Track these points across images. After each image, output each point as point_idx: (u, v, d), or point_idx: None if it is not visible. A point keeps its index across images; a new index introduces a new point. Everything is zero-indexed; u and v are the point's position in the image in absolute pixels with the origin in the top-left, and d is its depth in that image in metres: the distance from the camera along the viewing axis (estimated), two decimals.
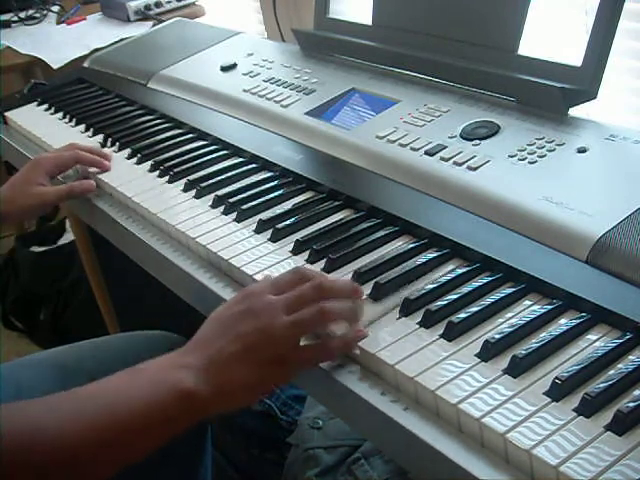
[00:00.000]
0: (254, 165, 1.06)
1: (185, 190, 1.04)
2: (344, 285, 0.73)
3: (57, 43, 2.07)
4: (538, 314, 0.68)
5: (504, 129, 0.93)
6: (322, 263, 0.82)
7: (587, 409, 0.58)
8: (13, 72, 2.20)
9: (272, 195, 0.97)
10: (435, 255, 0.79)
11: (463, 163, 0.88)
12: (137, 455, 0.66)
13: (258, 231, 0.91)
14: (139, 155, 1.15)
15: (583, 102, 0.92)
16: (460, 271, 0.76)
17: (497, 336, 0.66)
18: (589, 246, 0.71)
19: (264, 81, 1.23)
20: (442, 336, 0.69)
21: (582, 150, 0.85)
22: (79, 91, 1.48)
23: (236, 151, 1.11)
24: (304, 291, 0.71)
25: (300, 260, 0.84)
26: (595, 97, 0.91)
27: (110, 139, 1.24)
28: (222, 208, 0.97)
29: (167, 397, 0.65)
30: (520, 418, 0.59)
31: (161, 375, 0.67)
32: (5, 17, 2.30)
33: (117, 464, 0.65)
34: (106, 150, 1.20)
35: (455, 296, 0.72)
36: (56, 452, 0.62)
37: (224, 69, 1.32)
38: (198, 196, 1.02)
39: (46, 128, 1.34)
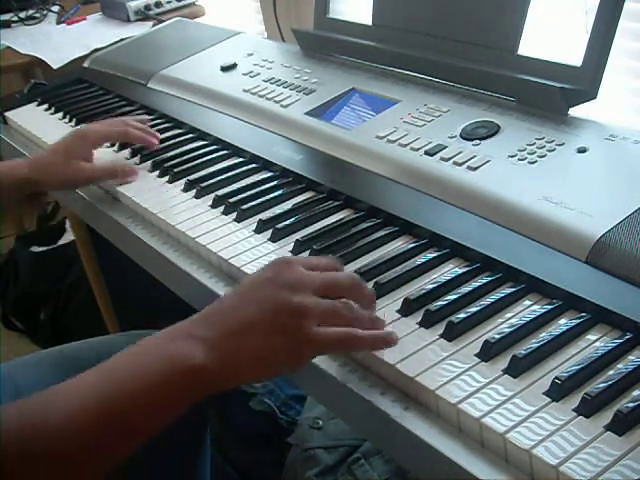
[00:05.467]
0: (254, 165, 1.06)
1: (185, 190, 1.04)
2: (373, 293, 0.71)
3: (57, 43, 2.06)
4: (538, 314, 0.68)
5: (504, 129, 0.93)
6: None
7: (587, 409, 0.58)
8: (13, 72, 2.20)
9: (272, 195, 0.97)
10: (435, 255, 0.79)
11: (463, 163, 0.88)
12: (141, 437, 0.62)
13: (258, 231, 0.91)
14: (139, 155, 1.15)
15: (583, 102, 0.92)
16: (460, 271, 0.76)
17: (497, 336, 0.66)
18: (589, 246, 0.71)
19: (264, 81, 1.23)
20: (442, 336, 0.69)
21: (582, 150, 0.85)
22: (79, 91, 1.48)
23: (236, 151, 1.11)
24: (341, 278, 0.66)
25: None
26: (595, 97, 0.91)
27: None
28: (222, 208, 0.97)
29: (172, 372, 0.60)
30: (520, 418, 0.59)
31: (167, 348, 0.62)
32: (5, 17, 2.30)
33: (122, 449, 0.62)
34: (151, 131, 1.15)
35: (455, 296, 0.72)
36: (59, 442, 0.59)
37: (224, 69, 1.31)
38: (198, 196, 1.02)
39: (46, 128, 1.34)
